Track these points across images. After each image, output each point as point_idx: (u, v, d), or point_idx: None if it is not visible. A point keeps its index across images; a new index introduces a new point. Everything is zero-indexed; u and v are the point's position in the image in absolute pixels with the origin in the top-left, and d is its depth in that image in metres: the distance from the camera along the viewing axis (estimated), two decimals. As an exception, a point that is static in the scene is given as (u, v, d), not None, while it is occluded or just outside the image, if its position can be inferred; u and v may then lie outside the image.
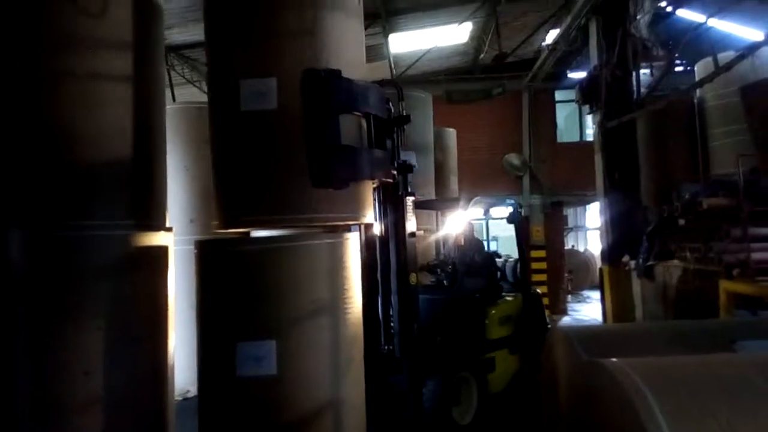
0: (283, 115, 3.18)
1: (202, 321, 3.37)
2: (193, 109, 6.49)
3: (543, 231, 12.82)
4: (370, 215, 3.61)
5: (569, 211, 18.16)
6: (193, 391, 5.56)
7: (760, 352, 2.33)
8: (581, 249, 19.22)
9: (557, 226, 13.79)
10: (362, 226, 4.09)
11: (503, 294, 5.83)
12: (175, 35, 9.35)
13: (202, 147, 6.20)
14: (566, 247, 15.68)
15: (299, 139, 3.17)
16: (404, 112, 4.09)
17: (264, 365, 3.10)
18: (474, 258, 5.85)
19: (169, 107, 5.85)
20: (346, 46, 3.39)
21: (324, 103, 3.13)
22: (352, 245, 3.55)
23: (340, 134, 3.19)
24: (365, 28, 10.49)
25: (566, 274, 13.99)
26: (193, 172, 6.18)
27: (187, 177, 6.17)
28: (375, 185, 3.76)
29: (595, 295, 13.42)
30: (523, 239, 6.21)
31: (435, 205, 6.88)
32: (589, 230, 20.83)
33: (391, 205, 4.28)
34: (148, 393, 3.19)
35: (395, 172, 4.04)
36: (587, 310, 13.30)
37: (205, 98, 11.55)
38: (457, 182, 9.53)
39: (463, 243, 5.90)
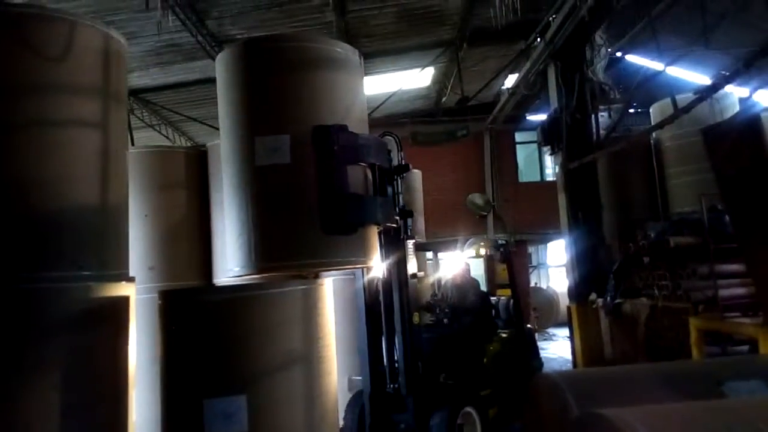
0: (296, 169, 3.45)
1: (166, 376, 3.19)
2: (153, 154, 6.32)
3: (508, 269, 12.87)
4: (377, 258, 3.79)
5: (531, 249, 18.40)
6: (154, 450, 5.27)
7: (752, 394, 2.31)
8: (544, 286, 19.40)
9: (522, 264, 13.92)
10: (364, 269, 4.34)
11: (498, 331, 6.02)
12: (135, 79, 9.24)
13: (161, 192, 6.05)
14: (530, 285, 15.79)
15: (311, 190, 3.43)
16: (403, 161, 4.36)
17: (234, 422, 2.95)
18: (471, 297, 6.05)
19: (129, 152, 5.69)
20: (350, 102, 3.69)
21: (333, 155, 3.42)
22: (326, 292, 3.45)
23: (348, 184, 3.46)
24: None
25: (532, 312, 14.03)
26: (152, 218, 5.98)
27: (147, 223, 5.95)
28: (379, 230, 3.93)
29: (561, 332, 13.48)
30: (514, 278, 6.54)
31: (433, 246, 7.25)
32: (551, 268, 21.07)
33: (393, 249, 4.47)
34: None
35: (397, 217, 4.28)
36: (554, 348, 13.30)
37: (164, 141, 11.37)
38: (424, 222, 9.51)
39: (459, 282, 6.10)
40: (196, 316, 3.15)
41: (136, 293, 3.58)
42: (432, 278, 7.15)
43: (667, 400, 2.26)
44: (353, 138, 3.51)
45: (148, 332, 4.35)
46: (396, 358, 4.62)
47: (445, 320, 5.72)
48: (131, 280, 3.37)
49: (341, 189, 3.43)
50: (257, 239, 3.49)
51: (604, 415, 1.69)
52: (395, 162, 4.21)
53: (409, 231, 4.57)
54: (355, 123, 3.61)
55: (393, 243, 4.46)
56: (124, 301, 3.23)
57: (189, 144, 12.93)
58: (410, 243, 4.59)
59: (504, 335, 5.94)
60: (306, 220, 3.44)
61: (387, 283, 4.52)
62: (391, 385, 4.62)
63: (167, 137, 12.06)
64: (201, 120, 11.05)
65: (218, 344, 3.06)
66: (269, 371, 3.06)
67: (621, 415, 1.65)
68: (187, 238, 6.08)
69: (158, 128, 11.59)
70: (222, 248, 6.05)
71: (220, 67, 3.78)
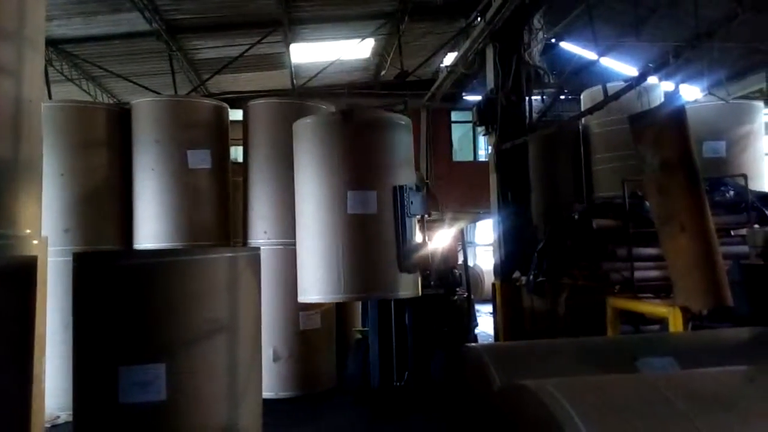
0: (380, 219, 4.59)
1: (78, 342, 3.03)
2: (72, 109, 5.92)
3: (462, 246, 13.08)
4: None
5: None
6: (63, 417, 5.07)
7: (663, 369, 2.43)
8: (471, 264, 19.77)
9: (454, 243, 14.15)
10: None
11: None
12: (55, 28, 8.59)
13: (80, 150, 5.70)
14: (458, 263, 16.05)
15: (390, 236, 4.60)
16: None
17: (151, 391, 2.84)
18: (450, 265, 7.28)
19: (45, 105, 5.31)
20: (412, 164, 5.04)
21: (406, 210, 4.63)
22: (254, 261, 3.37)
23: (415, 232, 4.74)
24: (265, 36, 10.20)
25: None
26: (69, 178, 5.64)
27: (63, 182, 5.61)
28: None
29: (484, 308, 13.85)
30: (466, 252, 7.90)
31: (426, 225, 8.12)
32: (479, 246, 21.54)
33: None
34: (13, 424, 2.79)
35: None
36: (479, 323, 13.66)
37: (85, 97, 10.70)
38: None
39: (446, 254, 7.17)
40: (113, 281, 3.00)
41: (51, 256, 3.38)
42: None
43: (585, 373, 2.35)
44: (419, 196, 4.79)
45: (62, 297, 4.13)
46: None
47: (432, 283, 6.71)
48: (43, 241, 3.15)
49: (412, 236, 4.63)
50: (347, 273, 4.49)
51: (525, 386, 1.73)
52: None
53: None
54: (412, 180, 4.91)
55: None
56: (35, 262, 3.02)
57: (111, 101, 12.24)
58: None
59: (456, 299, 6.96)
60: (387, 260, 4.55)
61: None
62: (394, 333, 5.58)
63: (88, 93, 11.33)
64: (126, 76, 10.45)
65: (137, 310, 2.93)
66: (190, 339, 2.96)
67: (541, 386, 1.69)
68: (107, 201, 5.78)
69: (78, 83, 10.87)
70: (145, 212, 5.81)
71: (313, 127, 4.83)
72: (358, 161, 4.63)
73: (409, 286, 4.73)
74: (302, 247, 4.85)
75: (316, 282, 4.62)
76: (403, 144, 4.92)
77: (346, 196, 4.55)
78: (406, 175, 4.84)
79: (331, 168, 4.64)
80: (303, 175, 4.89)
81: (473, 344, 2.83)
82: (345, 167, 4.61)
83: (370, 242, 4.57)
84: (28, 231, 3.01)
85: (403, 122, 4.98)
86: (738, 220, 5.57)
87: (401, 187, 4.64)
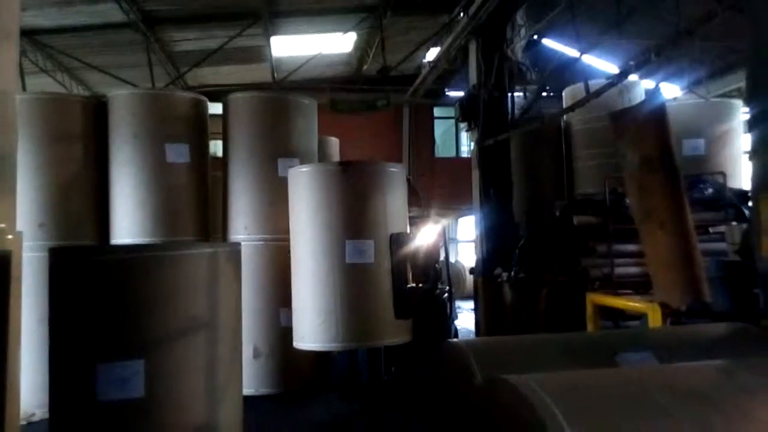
0: (377, 266, 4.75)
1: (55, 338, 2.98)
2: (47, 101, 5.80)
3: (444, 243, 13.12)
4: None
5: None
6: (39, 414, 5.00)
7: (642, 363, 2.46)
8: (453, 260, 19.83)
9: (436, 239, 14.20)
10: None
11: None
12: (30, 18, 8.41)
13: (54, 143, 5.59)
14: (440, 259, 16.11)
15: (386, 285, 4.76)
16: None
17: (129, 388, 2.81)
18: (435, 260, 7.33)
19: (19, 97, 5.20)
20: (405, 211, 5.31)
21: (403, 256, 4.84)
22: (235, 257, 3.34)
23: (410, 277, 4.95)
24: (245, 28, 10.07)
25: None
26: (43, 171, 5.53)
27: (37, 176, 5.50)
28: None
29: (466, 305, 13.92)
30: (448, 248, 7.84)
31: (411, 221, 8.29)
32: (460, 243, 21.62)
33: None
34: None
35: None
36: (459, 319, 13.71)
37: (60, 89, 10.49)
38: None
39: (432, 249, 7.17)
40: (90, 276, 2.95)
41: (25, 251, 3.31)
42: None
43: (566, 367, 2.36)
44: (409, 237, 5.08)
45: (36, 293, 4.05)
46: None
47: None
48: (18, 236, 3.08)
49: (407, 283, 4.82)
50: (345, 321, 4.61)
51: (507, 380, 1.73)
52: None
53: None
54: (406, 226, 5.20)
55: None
56: (9, 257, 2.96)
57: (87, 94, 12.03)
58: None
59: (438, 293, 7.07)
60: (384, 309, 4.70)
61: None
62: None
63: (63, 85, 11.11)
64: (102, 68, 10.26)
65: (115, 306, 2.89)
66: (169, 336, 2.93)
67: (523, 381, 1.69)
68: (83, 195, 5.68)
69: (53, 74, 10.66)
70: (122, 207, 5.72)
71: (310, 176, 4.91)
72: (356, 211, 4.77)
73: (403, 332, 4.88)
74: (299, 293, 4.90)
75: (313, 331, 4.72)
76: (398, 192, 5.08)
77: (344, 245, 4.66)
78: (400, 222, 5.02)
79: (329, 217, 4.76)
80: (300, 223, 4.94)
81: (455, 340, 2.83)
82: (343, 217, 4.73)
83: (367, 291, 4.70)
84: (2, 226, 2.94)
85: (397, 170, 5.20)
86: (716, 218, 5.65)
87: (398, 234, 4.81)
